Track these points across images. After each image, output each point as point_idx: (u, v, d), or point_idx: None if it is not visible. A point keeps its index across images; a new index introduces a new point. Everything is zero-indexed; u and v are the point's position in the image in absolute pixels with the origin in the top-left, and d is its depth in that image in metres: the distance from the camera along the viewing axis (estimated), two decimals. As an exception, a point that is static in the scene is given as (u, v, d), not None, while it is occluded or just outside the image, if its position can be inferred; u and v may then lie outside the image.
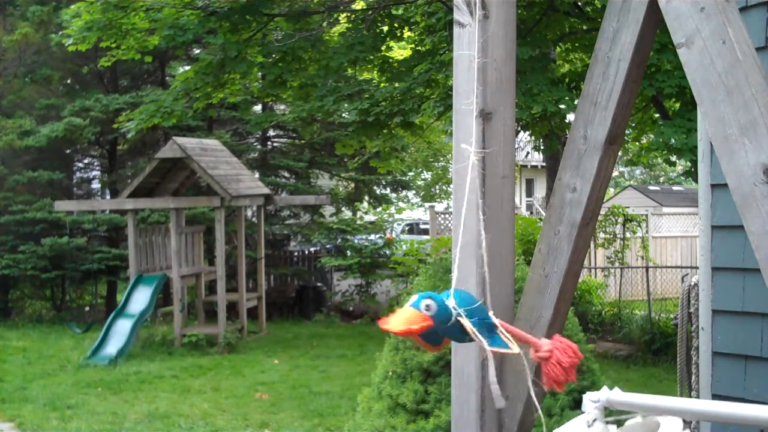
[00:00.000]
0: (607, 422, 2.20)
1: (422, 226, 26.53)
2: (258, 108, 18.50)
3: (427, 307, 2.08)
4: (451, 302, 2.12)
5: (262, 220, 14.74)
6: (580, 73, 10.08)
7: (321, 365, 11.18)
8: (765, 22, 3.28)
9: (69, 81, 17.53)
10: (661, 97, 9.39)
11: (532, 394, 2.30)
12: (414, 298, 2.12)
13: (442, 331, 2.15)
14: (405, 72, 11.21)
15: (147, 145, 17.29)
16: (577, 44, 11.30)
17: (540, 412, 2.31)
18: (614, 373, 9.98)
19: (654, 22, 2.38)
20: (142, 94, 15.33)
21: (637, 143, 14.42)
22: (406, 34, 12.15)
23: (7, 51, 15.80)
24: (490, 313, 2.23)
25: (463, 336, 2.15)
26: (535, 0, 9.46)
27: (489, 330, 2.17)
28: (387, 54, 12.27)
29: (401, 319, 2.06)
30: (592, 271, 14.51)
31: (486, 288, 2.43)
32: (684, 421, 3.75)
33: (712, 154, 3.43)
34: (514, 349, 2.16)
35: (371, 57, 11.56)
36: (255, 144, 18.96)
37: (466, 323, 2.10)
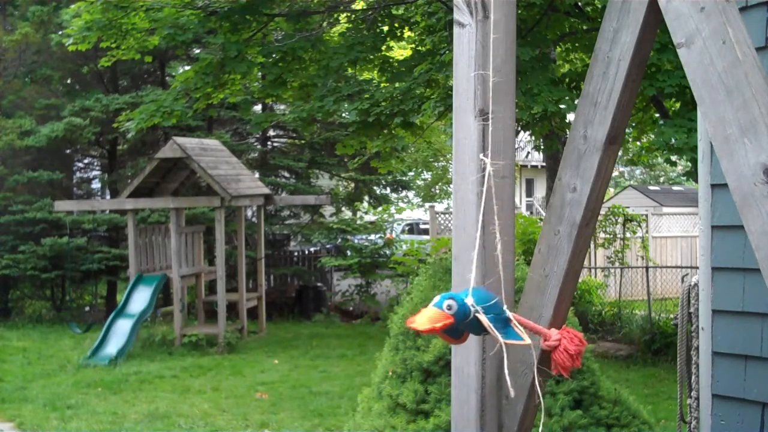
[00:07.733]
0: None
1: (422, 226, 26.51)
2: (258, 108, 18.50)
3: (449, 307, 2.28)
4: (469, 300, 2.32)
5: (262, 220, 14.74)
6: (580, 73, 10.08)
7: (321, 365, 11.19)
8: (765, 22, 3.28)
9: (69, 81, 17.52)
10: (661, 97, 9.39)
11: (537, 385, 2.34)
12: (437, 298, 2.32)
13: (462, 327, 2.34)
14: (405, 72, 11.20)
15: (147, 145, 17.29)
16: (577, 44, 11.31)
17: (541, 399, 2.46)
18: (614, 373, 9.98)
19: (654, 22, 2.38)
20: (142, 94, 15.33)
21: (637, 143, 14.44)
22: (406, 34, 12.15)
23: (7, 51, 15.79)
24: (505, 308, 2.42)
25: (480, 330, 2.34)
26: (535, 1, 9.45)
27: (504, 324, 2.37)
28: (387, 54, 12.26)
29: (425, 318, 2.28)
30: (592, 271, 14.51)
31: (501, 285, 2.56)
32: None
33: (712, 154, 3.43)
34: (527, 340, 2.35)
35: (371, 57, 11.56)
36: (255, 144, 18.96)
37: (483, 319, 2.30)
